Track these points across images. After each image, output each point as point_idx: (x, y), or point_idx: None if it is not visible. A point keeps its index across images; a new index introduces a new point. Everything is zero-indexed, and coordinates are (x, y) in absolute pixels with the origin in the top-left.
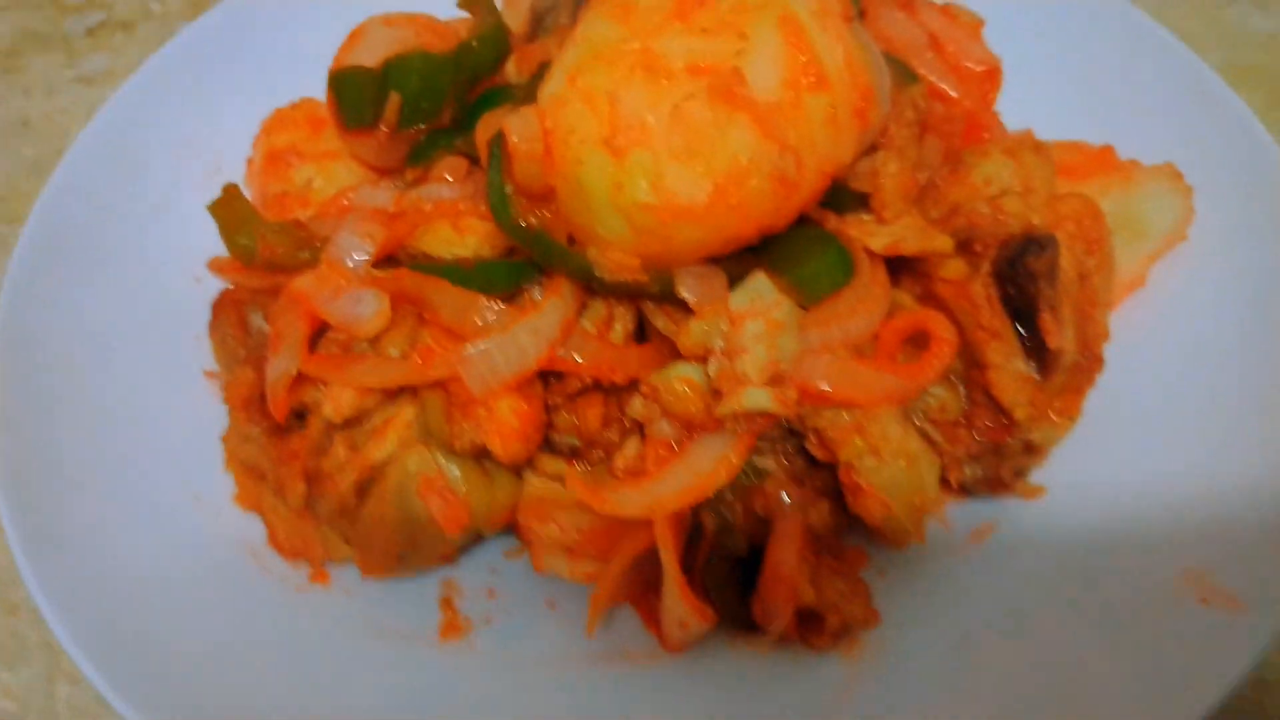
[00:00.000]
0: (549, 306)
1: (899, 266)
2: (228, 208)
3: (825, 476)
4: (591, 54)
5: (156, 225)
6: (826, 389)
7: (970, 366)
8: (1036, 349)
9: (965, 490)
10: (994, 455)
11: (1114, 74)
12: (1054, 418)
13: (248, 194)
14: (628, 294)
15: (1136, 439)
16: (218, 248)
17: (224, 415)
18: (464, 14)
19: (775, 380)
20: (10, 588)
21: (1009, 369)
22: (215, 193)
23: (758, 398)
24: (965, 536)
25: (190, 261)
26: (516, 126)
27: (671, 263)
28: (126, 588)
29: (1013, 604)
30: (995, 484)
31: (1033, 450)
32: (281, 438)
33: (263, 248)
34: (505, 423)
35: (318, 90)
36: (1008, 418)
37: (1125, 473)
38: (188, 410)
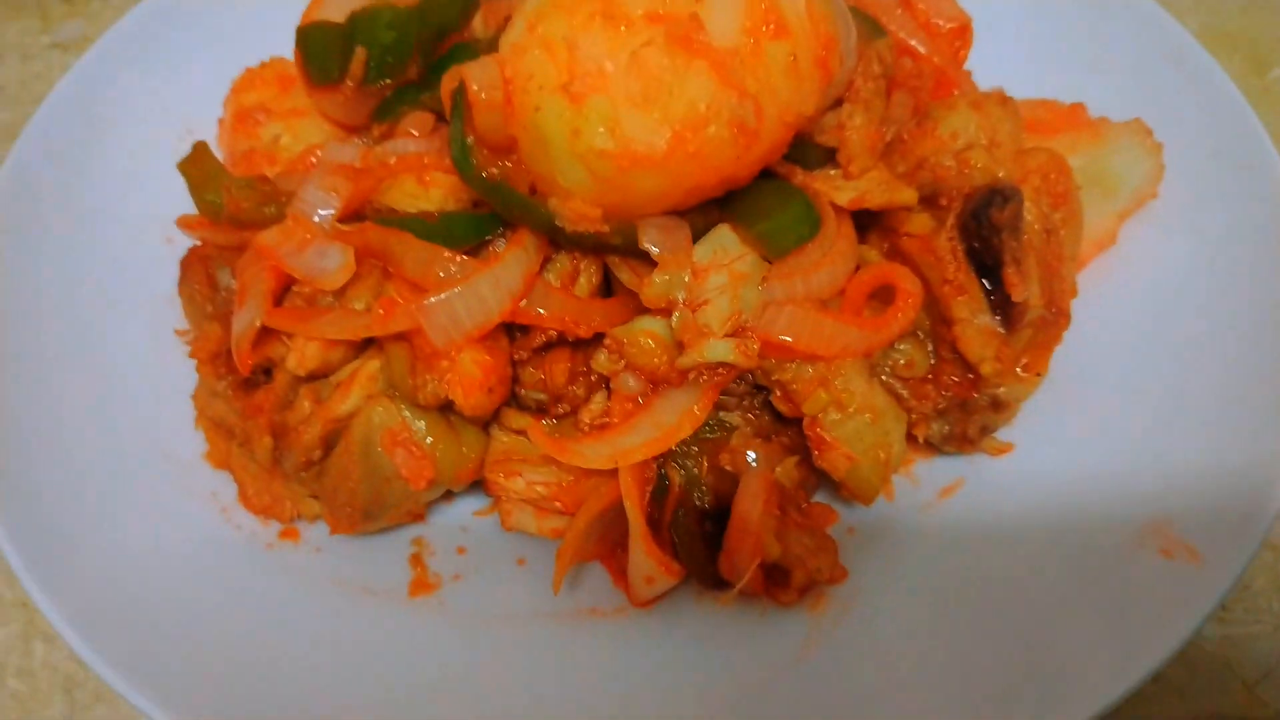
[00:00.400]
0: (510, 258)
1: (866, 222)
2: (196, 165)
3: (793, 434)
4: (551, 2)
5: (128, 187)
6: (789, 340)
7: (937, 322)
8: (1002, 303)
9: (933, 447)
10: (960, 411)
11: (1085, 33)
12: (1021, 374)
13: (218, 154)
14: (591, 246)
15: (1103, 395)
16: (189, 208)
17: (195, 374)
18: None
19: (738, 332)
20: None
21: (974, 323)
22: (185, 153)
23: (719, 349)
24: (934, 494)
25: (163, 223)
26: (476, 75)
27: (633, 214)
28: (96, 545)
29: (980, 559)
30: (962, 440)
31: (1000, 406)
32: (248, 392)
33: (229, 202)
34: (467, 374)
35: (288, 50)
36: (974, 373)
37: (1091, 429)
38: (159, 369)
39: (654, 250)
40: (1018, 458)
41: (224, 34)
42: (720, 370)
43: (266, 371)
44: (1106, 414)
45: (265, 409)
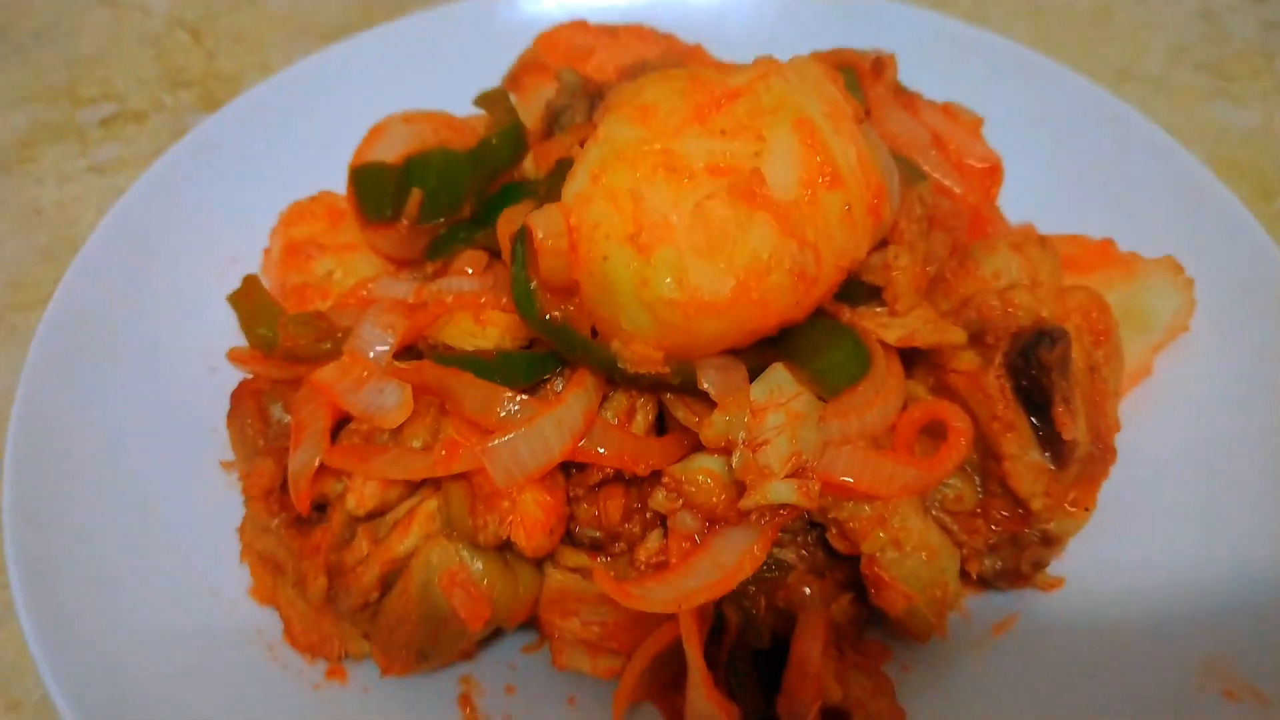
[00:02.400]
0: (572, 398)
1: (912, 358)
2: (247, 298)
3: (846, 569)
4: (614, 154)
5: (172, 315)
6: (849, 481)
7: (985, 457)
8: (1051, 440)
9: (985, 582)
10: (1012, 546)
11: (1107, 169)
12: (1069, 509)
13: (265, 285)
14: (650, 386)
15: (1148, 526)
16: (234, 338)
17: (239, 506)
18: (481, 111)
19: (798, 472)
20: None
21: (1024, 459)
22: (231, 284)
23: (782, 490)
24: (986, 629)
25: (207, 352)
26: (542, 223)
27: (693, 355)
28: (142, 682)
29: (1037, 699)
30: (1014, 576)
31: (1050, 541)
32: (302, 530)
33: (284, 338)
34: (529, 515)
35: (334, 183)
36: (1024, 508)
37: (1141, 562)
38: (202, 501)
39: (713, 391)
40: (1069, 592)
41: (265, 166)
42: (781, 511)
43: (320, 508)
44: (1154, 545)
45: (322, 549)
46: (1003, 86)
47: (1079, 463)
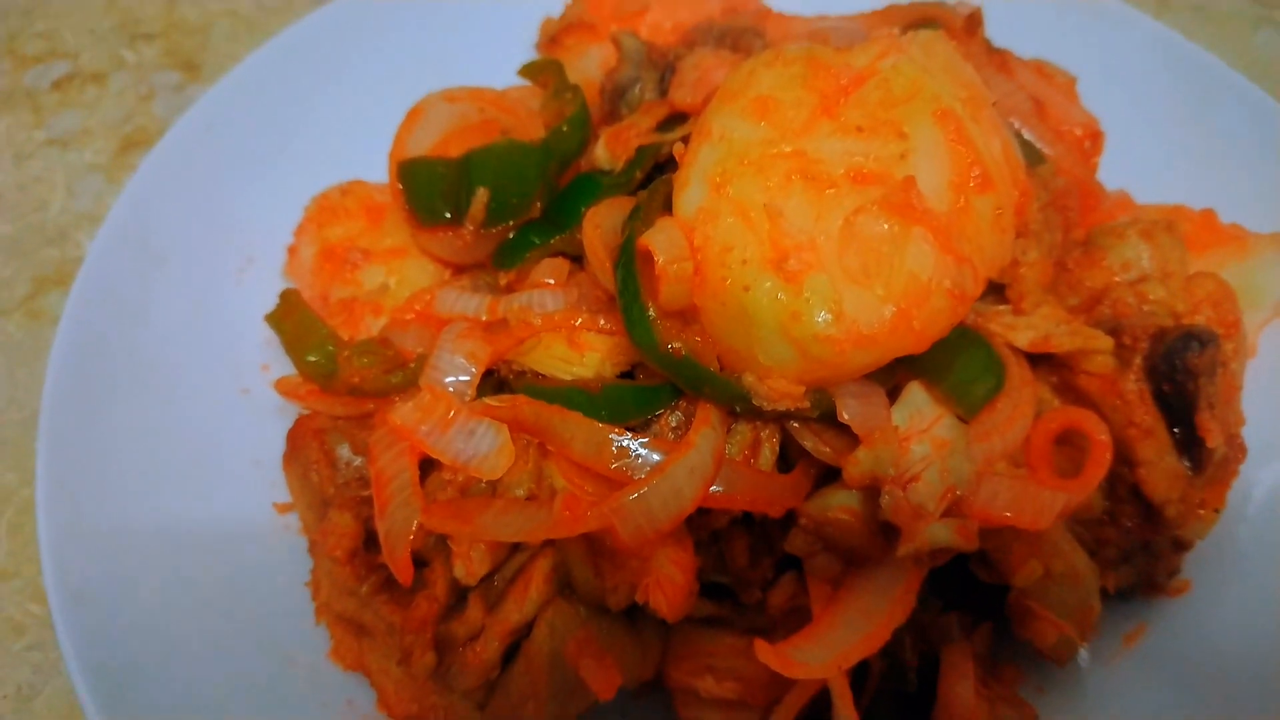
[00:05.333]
0: (701, 440)
1: (1034, 358)
2: (289, 318)
3: (980, 595)
4: (735, 157)
5: (192, 331)
6: (1008, 516)
7: (1115, 462)
8: (1188, 443)
9: (1119, 594)
10: (1145, 555)
11: (1187, 125)
12: (1200, 511)
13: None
14: (777, 416)
15: (1266, 516)
16: (263, 352)
17: (300, 553)
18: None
19: (952, 510)
20: None
21: (1161, 465)
22: (251, 289)
23: (939, 533)
24: (1117, 641)
25: (237, 371)
26: (663, 245)
27: (832, 385)
28: None
29: (1178, 711)
30: (1150, 586)
31: (1182, 546)
32: (396, 595)
33: (347, 372)
34: (669, 579)
35: (360, 168)
36: (1157, 515)
37: (1264, 557)
38: (257, 552)
39: (855, 424)
40: (1195, 595)
41: (274, 148)
42: (937, 554)
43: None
44: (1272, 536)
45: (429, 622)
46: (1060, 29)
47: (1214, 465)
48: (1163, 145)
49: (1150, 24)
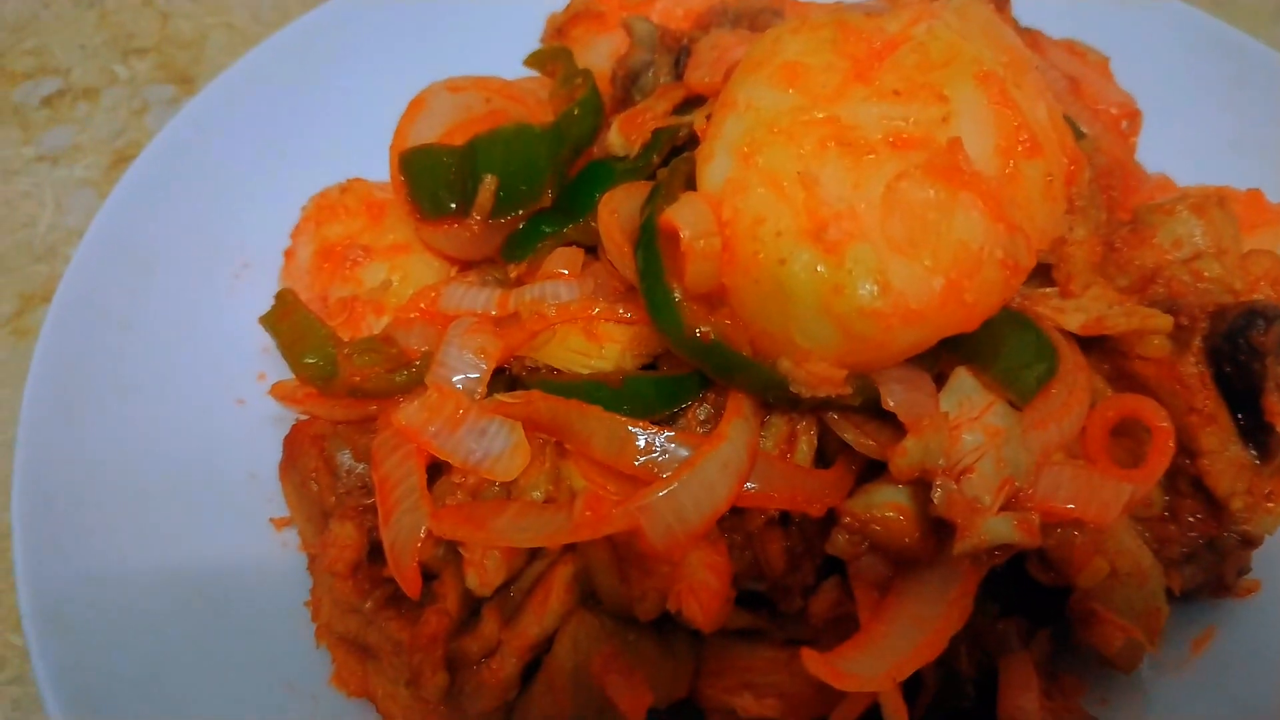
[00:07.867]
0: (734, 432)
1: (1086, 343)
2: (285, 320)
3: (1036, 598)
4: (764, 126)
5: (183, 341)
6: (1072, 509)
7: (1175, 454)
8: (1254, 430)
9: (1184, 596)
10: (1210, 553)
11: (1222, 103)
12: (1269, 504)
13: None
14: (815, 406)
15: None
16: (259, 361)
17: (300, 572)
18: (532, 73)
19: (1011, 503)
20: None
21: (1225, 455)
22: (246, 295)
23: (1000, 529)
24: (1185, 647)
25: (231, 382)
26: (688, 219)
27: (875, 368)
28: None
29: None
30: (1217, 587)
31: (1250, 543)
32: (403, 610)
33: (349, 372)
34: (700, 583)
35: (358, 166)
36: (1220, 508)
37: None
38: (254, 570)
39: (902, 412)
40: (1265, 596)
41: (269, 150)
42: (996, 553)
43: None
44: None
45: (440, 639)
46: (1087, 10)
47: None
48: (1198, 127)
49: (1178, 4)
